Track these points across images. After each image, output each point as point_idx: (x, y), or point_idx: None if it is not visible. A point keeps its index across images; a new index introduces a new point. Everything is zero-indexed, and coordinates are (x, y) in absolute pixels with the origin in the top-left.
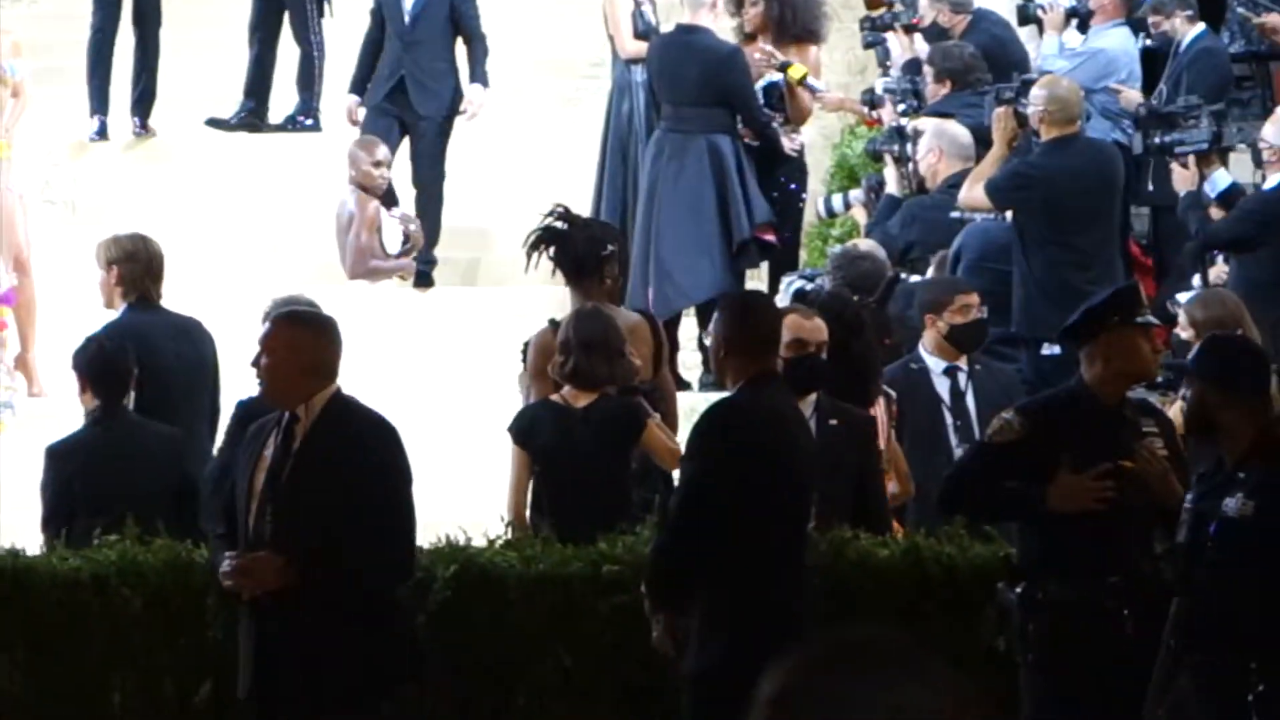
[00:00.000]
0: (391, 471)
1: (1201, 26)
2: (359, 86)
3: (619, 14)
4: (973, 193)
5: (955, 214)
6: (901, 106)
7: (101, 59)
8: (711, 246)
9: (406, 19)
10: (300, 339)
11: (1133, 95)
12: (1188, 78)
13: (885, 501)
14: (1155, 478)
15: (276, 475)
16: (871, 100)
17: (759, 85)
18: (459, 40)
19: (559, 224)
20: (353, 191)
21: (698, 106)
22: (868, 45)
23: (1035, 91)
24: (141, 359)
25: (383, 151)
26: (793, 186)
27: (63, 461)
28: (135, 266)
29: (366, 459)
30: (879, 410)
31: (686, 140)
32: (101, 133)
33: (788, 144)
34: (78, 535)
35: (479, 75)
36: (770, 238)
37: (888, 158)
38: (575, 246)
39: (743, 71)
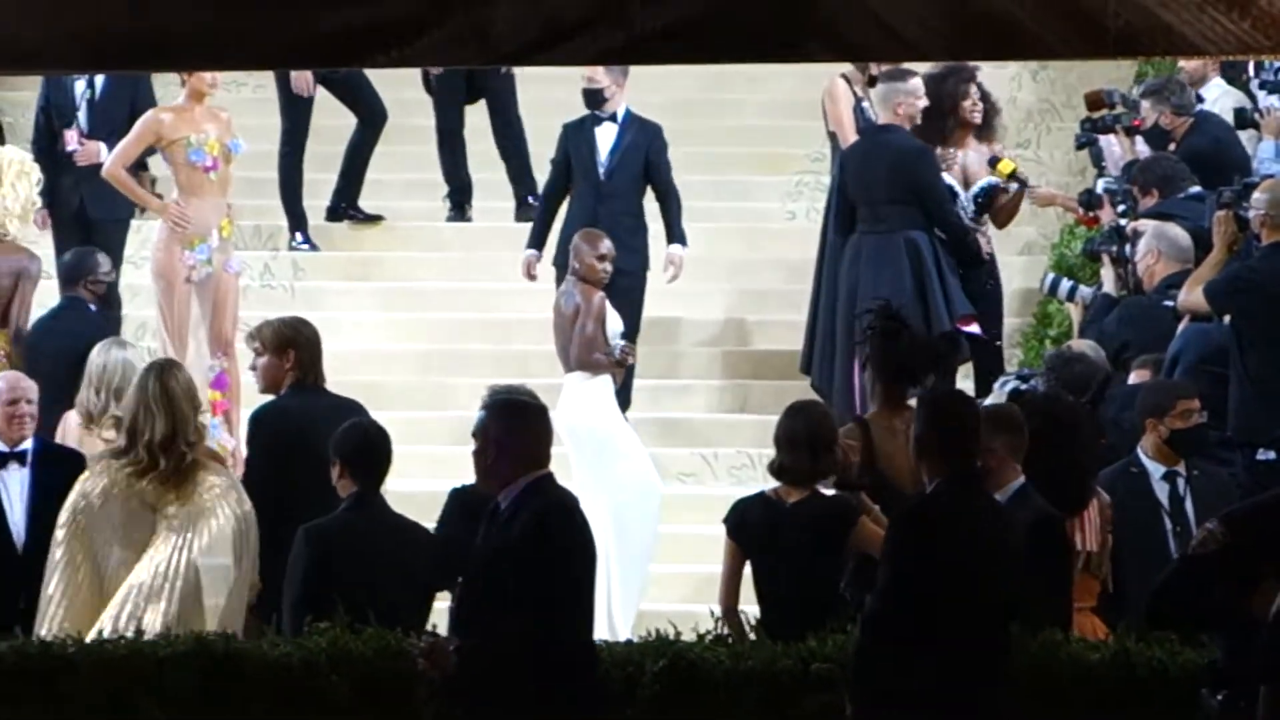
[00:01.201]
0: (563, 555)
1: None
2: (539, 240)
3: (841, 110)
4: (1191, 296)
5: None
6: (1121, 207)
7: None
8: None
9: (602, 171)
10: (508, 427)
11: None
12: None
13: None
14: None
15: (475, 559)
16: (1089, 200)
17: (977, 187)
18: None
19: (894, 325)
20: (577, 284)
21: (891, 205)
22: (1081, 145)
23: (1257, 195)
24: (308, 441)
25: (606, 244)
26: (990, 284)
27: (319, 545)
28: (305, 349)
29: (542, 543)
30: (1092, 512)
31: (883, 240)
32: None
33: (985, 245)
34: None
35: (678, 234)
36: (973, 329)
37: (1105, 258)
38: (901, 353)
39: (932, 170)
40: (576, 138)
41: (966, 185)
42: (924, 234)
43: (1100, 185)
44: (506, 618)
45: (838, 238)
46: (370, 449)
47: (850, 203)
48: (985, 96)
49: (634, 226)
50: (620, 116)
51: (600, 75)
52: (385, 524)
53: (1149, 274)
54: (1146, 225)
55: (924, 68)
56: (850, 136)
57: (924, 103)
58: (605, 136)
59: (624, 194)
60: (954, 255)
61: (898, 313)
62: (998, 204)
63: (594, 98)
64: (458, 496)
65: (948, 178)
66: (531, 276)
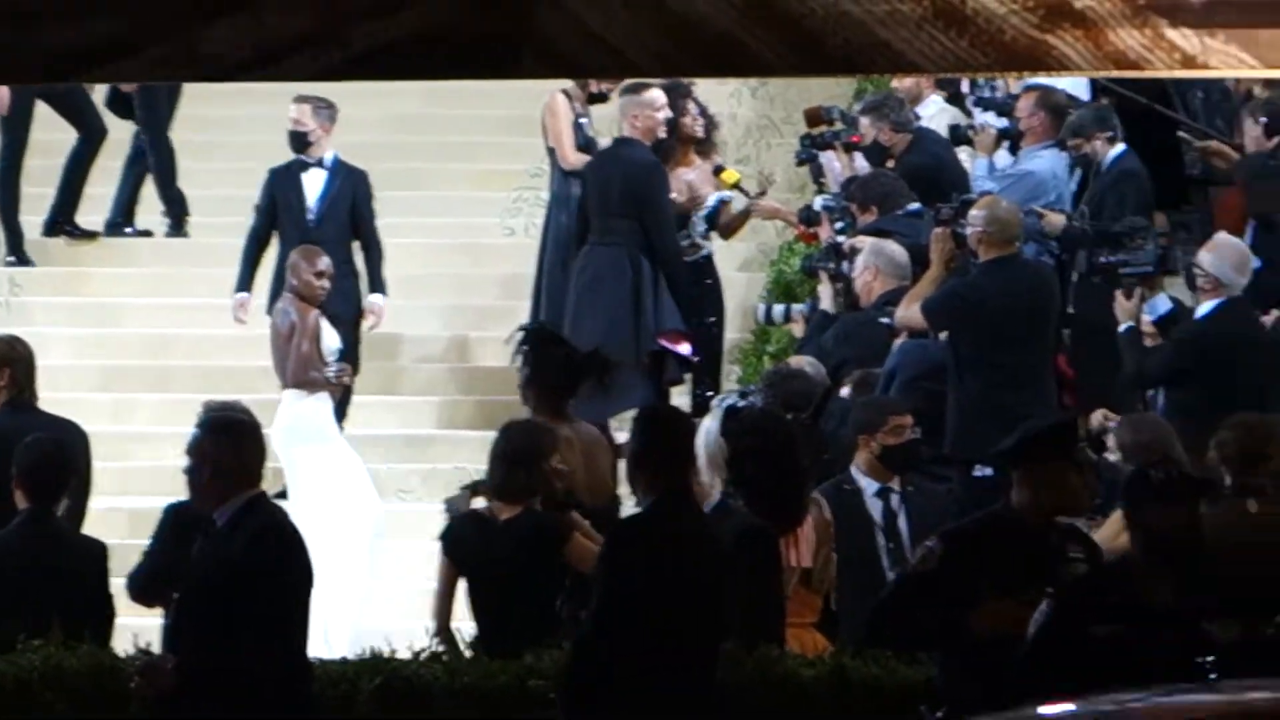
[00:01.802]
0: (280, 574)
1: (1121, 147)
2: (245, 282)
3: (561, 125)
4: (909, 312)
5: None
6: (839, 224)
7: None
8: (627, 359)
9: (310, 219)
10: (222, 444)
11: (1056, 218)
12: (1109, 199)
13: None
14: None
15: (192, 576)
16: (808, 216)
17: (707, 206)
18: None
19: (549, 337)
20: (293, 301)
21: (622, 218)
22: (801, 162)
23: (974, 212)
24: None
25: (325, 262)
26: (711, 319)
27: None
28: (20, 367)
29: (259, 562)
30: (807, 528)
31: (610, 252)
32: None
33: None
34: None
35: (379, 283)
36: (683, 348)
37: (823, 275)
38: (561, 363)
39: (658, 187)
40: (284, 183)
41: (692, 201)
42: (641, 250)
43: (819, 202)
44: (223, 635)
45: (557, 255)
46: (45, 466)
47: (586, 213)
48: (704, 111)
49: (344, 273)
50: (328, 162)
51: (307, 118)
52: (56, 540)
53: (866, 290)
54: (864, 242)
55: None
56: (569, 152)
57: (664, 115)
58: (313, 183)
59: (333, 241)
60: (665, 273)
61: (551, 331)
62: (723, 218)
63: (299, 141)
64: (172, 512)
65: (672, 194)
66: (242, 321)
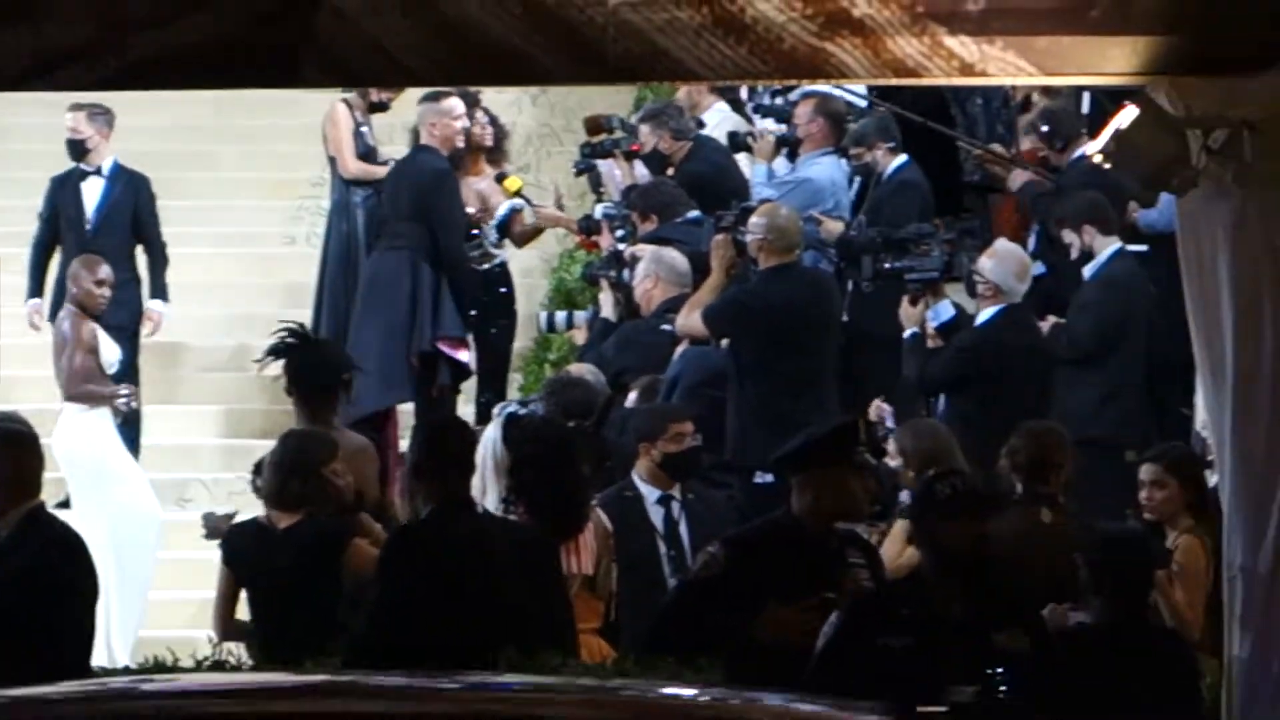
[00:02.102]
0: (68, 586)
1: (903, 158)
2: (37, 290)
3: (341, 134)
4: (690, 319)
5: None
6: (620, 232)
7: None
8: (392, 361)
9: (89, 227)
10: None
11: (834, 225)
12: (888, 208)
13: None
14: None
15: None
16: (589, 225)
17: (499, 215)
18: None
19: (300, 342)
20: (72, 312)
21: (409, 222)
22: (580, 171)
23: (754, 220)
24: None
25: (105, 270)
26: (502, 326)
27: None
28: None
29: (47, 574)
30: (587, 535)
31: (395, 256)
32: None
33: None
34: None
35: (159, 289)
36: (461, 355)
37: (604, 282)
38: (315, 367)
39: (446, 194)
40: (64, 192)
41: (485, 209)
42: (426, 255)
43: (599, 210)
44: (8, 648)
45: (338, 263)
46: None
47: (384, 218)
48: (494, 120)
49: (125, 281)
50: (107, 170)
51: (83, 125)
52: None
53: (647, 298)
54: (645, 250)
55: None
56: (349, 161)
57: (462, 124)
58: (91, 191)
59: (113, 249)
60: (449, 279)
61: (303, 336)
62: (516, 226)
63: (77, 149)
64: None
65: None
66: (37, 328)
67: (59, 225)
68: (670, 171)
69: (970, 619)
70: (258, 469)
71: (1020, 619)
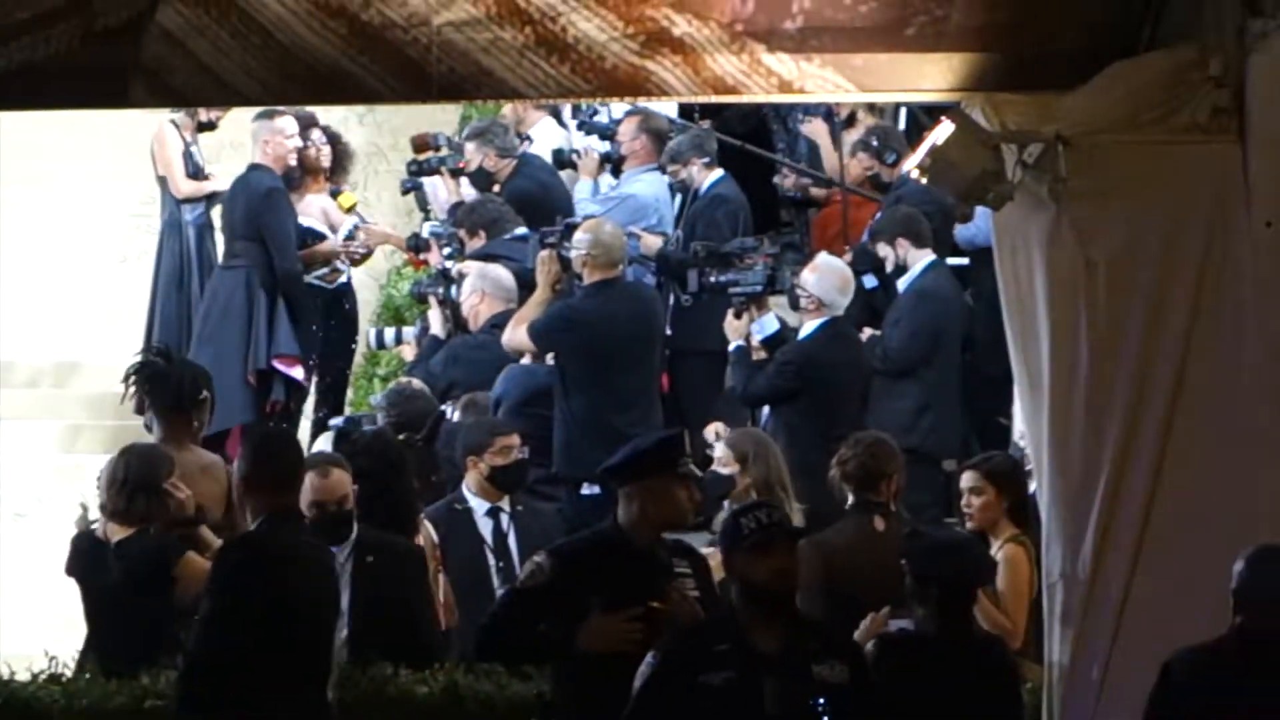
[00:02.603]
0: None
1: (719, 173)
2: None
3: (170, 154)
4: (516, 335)
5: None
6: (447, 249)
7: None
8: (230, 383)
9: None
10: None
11: (653, 240)
12: (703, 223)
13: (434, 631)
14: (685, 618)
15: None
16: (417, 244)
17: (345, 229)
18: None
19: (160, 361)
20: None
21: (246, 241)
22: (406, 190)
23: (579, 236)
24: None
25: None
26: (343, 344)
27: None
28: None
29: None
30: (423, 544)
31: (232, 275)
32: None
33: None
34: None
35: None
36: (295, 371)
37: (432, 299)
38: (175, 386)
39: (277, 210)
40: None
41: (331, 228)
42: (261, 272)
43: (427, 229)
44: None
45: (170, 280)
46: None
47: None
48: (334, 139)
49: None
50: None
51: None
52: None
53: (474, 314)
54: (471, 267)
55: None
56: (179, 180)
57: (294, 142)
58: None
59: None
60: (284, 296)
61: (164, 349)
62: (356, 241)
63: None
64: None
65: (311, 221)
66: None
67: None
68: (496, 189)
69: (788, 651)
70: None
71: (838, 650)
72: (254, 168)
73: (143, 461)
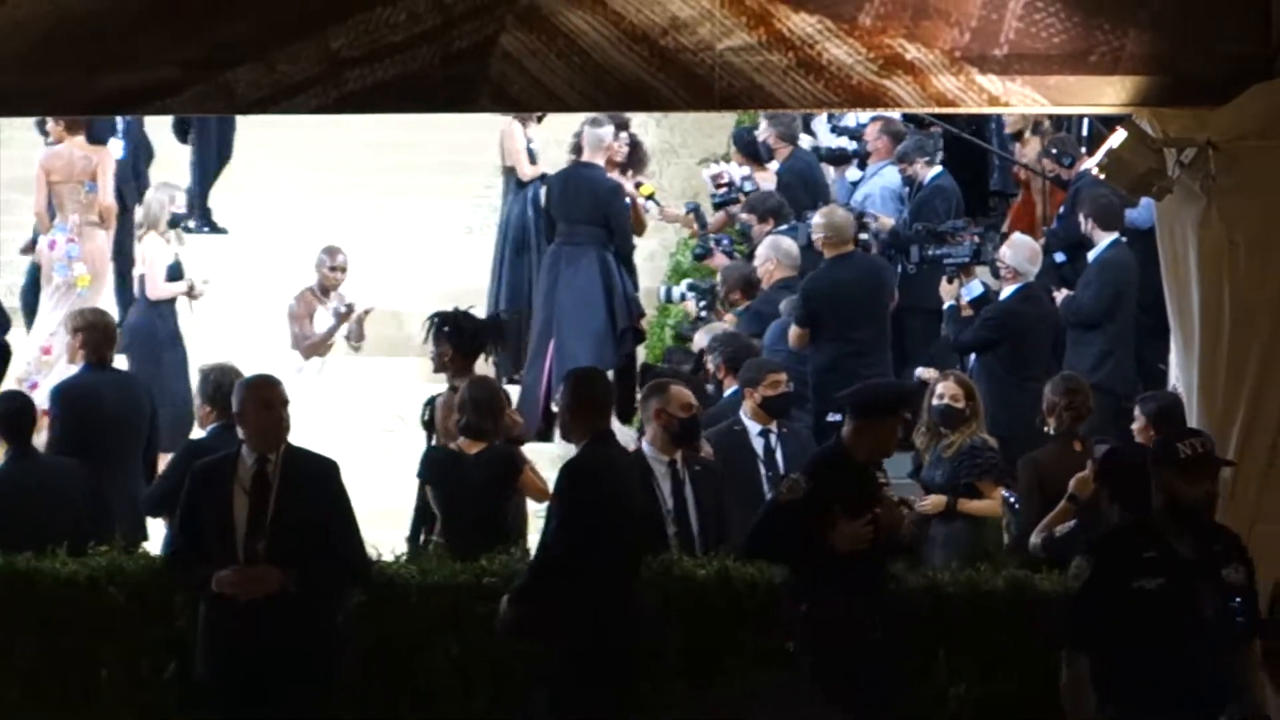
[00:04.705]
0: (347, 498)
1: (939, 169)
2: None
3: (517, 147)
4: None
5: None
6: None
7: None
8: (603, 333)
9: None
10: (285, 396)
11: (886, 221)
12: (926, 208)
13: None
14: (896, 520)
15: (260, 506)
16: (699, 218)
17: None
18: None
19: (457, 315)
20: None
21: (587, 225)
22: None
23: (815, 220)
24: (87, 407)
25: (343, 257)
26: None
27: None
28: (94, 334)
29: (332, 489)
30: (709, 457)
31: (579, 251)
32: None
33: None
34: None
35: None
36: (642, 326)
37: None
38: (468, 335)
39: (621, 203)
40: None
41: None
42: (607, 250)
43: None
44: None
45: (516, 255)
46: (16, 415)
47: (552, 218)
48: (636, 142)
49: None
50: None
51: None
52: (41, 470)
53: (767, 276)
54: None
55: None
56: (527, 167)
57: (618, 144)
58: None
59: None
60: (627, 271)
61: (460, 312)
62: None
63: None
64: (189, 446)
65: None
66: None
67: None
68: (772, 165)
69: (1204, 557)
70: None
71: (1238, 554)
72: (586, 165)
73: (490, 390)
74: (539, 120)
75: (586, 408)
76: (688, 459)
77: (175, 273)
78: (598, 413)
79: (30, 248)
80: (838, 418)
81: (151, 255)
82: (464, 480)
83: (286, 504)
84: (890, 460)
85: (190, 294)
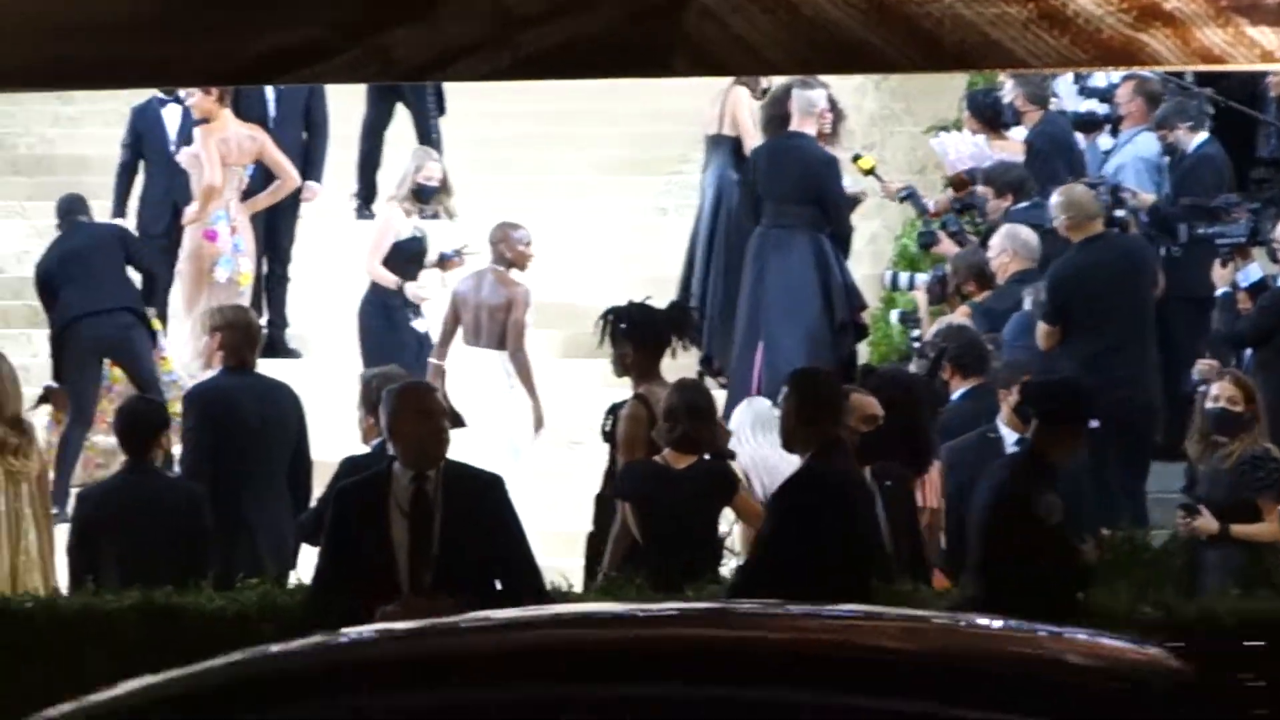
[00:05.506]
0: (517, 519)
1: (1204, 135)
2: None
3: (744, 117)
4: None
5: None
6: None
7: None
8: (818, 329)
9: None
10: (444, 404)
11: (1146, 198)
12: (1190, 180)
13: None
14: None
15: (423, 530)
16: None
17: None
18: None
19: (632, 310)
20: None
21: (798, 205)
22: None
23: (1054, 201)
24: (226, 417)
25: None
26: None
27: (90, 505)
28: (235, 334)
29: (500, 508)
30: (934, 472)
31: (789, 234)
32: None
33: None
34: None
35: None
36: (863, 320)
37: (942, 236)
38: (649, 331)
39: (837, 179)
40: (144, 120)
41: None
42: (822, 233)
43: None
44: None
45: (708, 233)
46: (136, 422)
47: (757, 197)
48: (834, 104)
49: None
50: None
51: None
52: (154, 485)
53: (1001, 268)
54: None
55: (782, 79)
56: (755, 137)
57: (828, 112)
58: (173, 118)
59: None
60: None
61: (638, 306)
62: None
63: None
64: (348, 463)
65: None
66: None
67: (142, 150)
68: (1019, 129)
69: None
70: (610, 413)
71: None
72: (796, 135)
73: (706, 395)
74: (763, 94)
75: (813, 414)
76: (878, 474)
77: (413, 250)
78: (825, 419)
79: (164, 234)
80: (1095, 424)
81: (382, 226)
82: (672, 498)
83: (452, 527)
84: (1160, 472)
85: (444, 265)
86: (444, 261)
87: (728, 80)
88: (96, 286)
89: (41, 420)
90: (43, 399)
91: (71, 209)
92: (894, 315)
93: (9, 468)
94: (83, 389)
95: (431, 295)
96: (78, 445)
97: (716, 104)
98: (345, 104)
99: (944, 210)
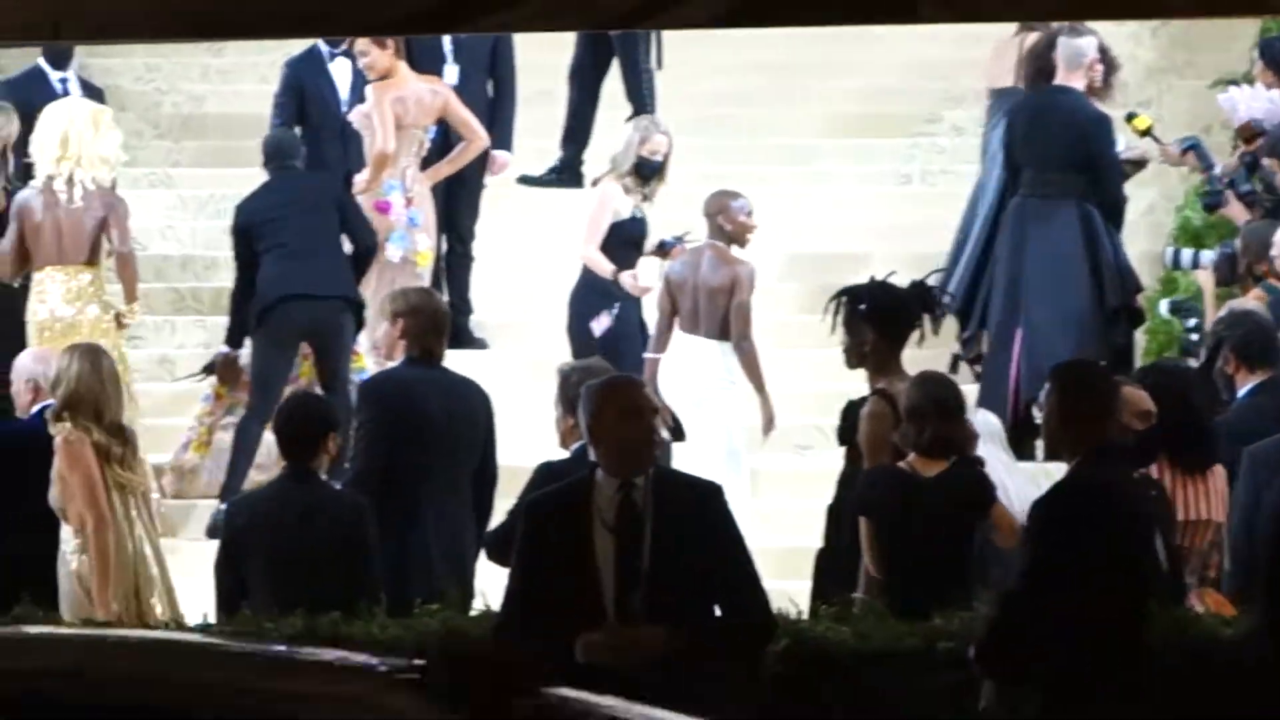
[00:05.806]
0: (739, 534)
1: None
2: None
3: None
4: None
5: None
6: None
7: None
8: (1087, 315)
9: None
10: (654, 401)
11: None
12: None
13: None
14: None
15: (632, 547)
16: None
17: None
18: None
19: (873, 289)
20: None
21: (1064, 170)
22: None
23: None
24: (408, 413)
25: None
26: None
27: (243, 519)
28: (419, 320)
29: (720, 521)
30: (1217, 477)
31: (1053, 205)
32: None
33: None
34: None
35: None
36: (1139, 304)
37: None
38: (893, 314)
39: (1110, 140)
40: (309, 72)
41: None
42: (1090, 204)
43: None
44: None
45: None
46: (297, 427)
47: (1016, 163)
48: (1104, 54)
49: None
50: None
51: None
52: (316, 496)
53: None
54: None
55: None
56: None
57: (1099, 65)
58: (343, 73)
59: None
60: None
61: (873, 283)
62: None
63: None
64: (544, 470)
65: None
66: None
67: (304, 110)
68: None
69: None
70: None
71: None
72: (1062, 90)
73: (956, 391)
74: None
75: (1078, 414)
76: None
77: (633, 233)
78: (1096, 421)
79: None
80: None
81: (599, 204)
82: (921, 511)
83: (664, 543)
84: None
85: (665, 254)
86: (664, 249)
87: (1009, 26)
88: (311, 261)
89: (200, 393)
90: (208, 368)
91: (281, 150)
92: (1163, 306)
93: (117, 478)
94: (273, 376)
95: (653, 286)
96: (256, 439)
97: (1006, 53)
98: (531, 57)
99: (1233, 171)
